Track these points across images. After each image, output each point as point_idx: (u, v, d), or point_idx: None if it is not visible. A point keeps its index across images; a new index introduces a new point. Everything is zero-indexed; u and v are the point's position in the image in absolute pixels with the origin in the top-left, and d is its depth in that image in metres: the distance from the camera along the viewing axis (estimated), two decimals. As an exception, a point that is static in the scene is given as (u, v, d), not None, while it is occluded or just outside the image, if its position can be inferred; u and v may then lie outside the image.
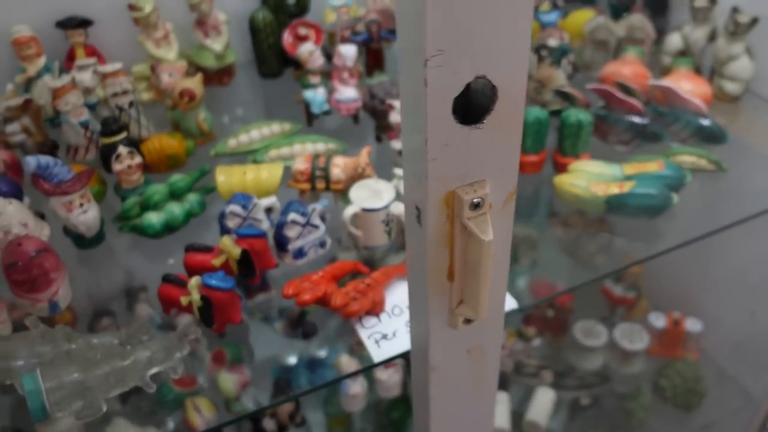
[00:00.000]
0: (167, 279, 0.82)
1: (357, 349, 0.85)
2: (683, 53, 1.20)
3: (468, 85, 0.46)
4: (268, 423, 1.40)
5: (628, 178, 0.95)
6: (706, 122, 1.02)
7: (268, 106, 1.29)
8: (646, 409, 1.41)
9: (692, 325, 1.47)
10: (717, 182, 1.02)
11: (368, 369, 0.79)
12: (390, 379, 1.32)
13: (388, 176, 0.97)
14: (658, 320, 1.48)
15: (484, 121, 0.49)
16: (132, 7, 1.14)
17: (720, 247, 1.34)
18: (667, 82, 1.05)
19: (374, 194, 0.89)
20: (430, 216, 0.52)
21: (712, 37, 1.19)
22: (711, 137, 1.03)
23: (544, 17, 1.17)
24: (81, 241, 0.92)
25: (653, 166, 0.95)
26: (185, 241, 0.95)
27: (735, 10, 1.11)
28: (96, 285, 0.94)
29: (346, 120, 1.17)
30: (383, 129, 1.11)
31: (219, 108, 1.21)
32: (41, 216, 0.93)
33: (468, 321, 0.61)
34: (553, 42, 1.11)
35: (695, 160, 1.01)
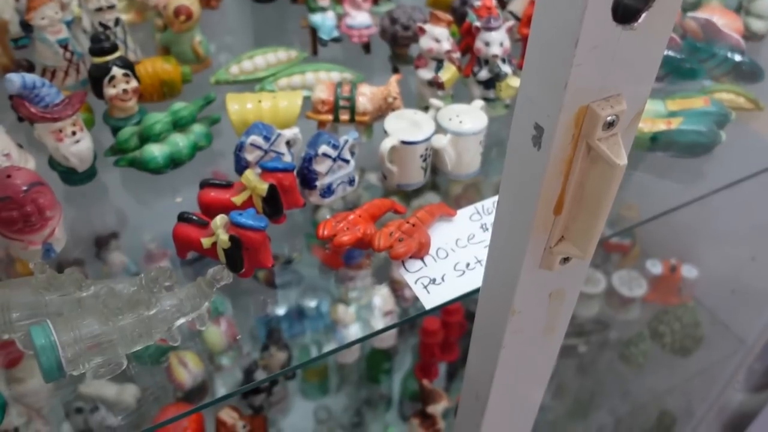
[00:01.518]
0: (184, 218, 0.71)
1: (395, 289, 0.78)
2: (708, -13, 1.14)
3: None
4: (260, 375, 1.32)
5: (672, 114, 0.89)
6: (745, 59, 0.97)
7: (262, 32, 1.16)
8: (645, 355, 1.40)
9: (688, 271, 1.46)
10: (754, 121, 0.98)
11: (418, 317, 0.72)
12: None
13: (409, 108, 0.88)
14: (655, 267, 1.46)
15: (640, 20, 0.41)
16: None
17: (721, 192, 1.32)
18: (706, 14, 0.99)
19: (413, 125, 0.80)
20: (555, 136, 0.44)
21: (739, -30, 1.13)
22: (749, 75, 0.98)
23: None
24: (70, 176, 0.80)
25: (699, 102, 0.89)
26: (190, 177, 0.84)
27: (770, -60, 1.05)
28: (87, 225, 0.82)
29: (354, 48, 1.07)
30: (401, 58, 1.01)
31: (207, 34, 1.08)
32: (19, 147, 0.80)
33: (565, 260, 0.54)
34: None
35: (733, 98, 0.96)
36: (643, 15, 0.41)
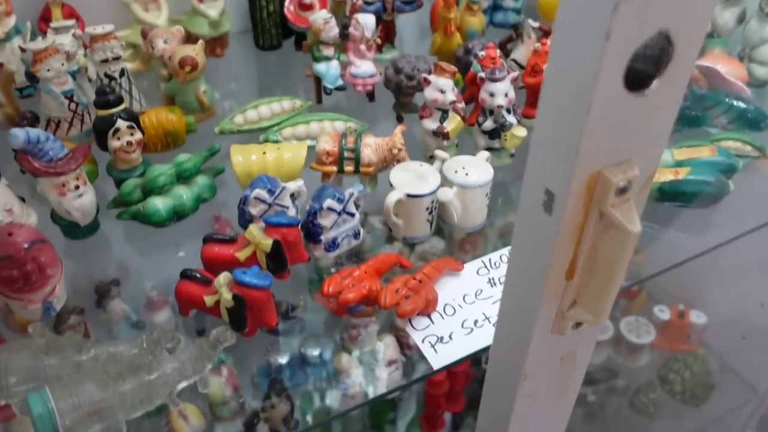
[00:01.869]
0: (187, 275, 0.70)
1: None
2: (711, 35, 1.15)
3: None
4: (262, 429, 1.29)
5: (679, 164, 0.88)
6: (750, 106, 0.96)
7: (267, 80, 1.17)
8: (656, 404, 1.37)
9: (697, 317, 1.44)
10: (762, 169, 0.97)
11: (426, 377, 0.70)
12: (390, 378, 1.23)
13: (414, 159, 0.87)
14: (663, 313, 1.44)
15: (651, 87, 0.40)
16: (118, -37, 1.01)
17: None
18: (710, 62, 0.99)
19: (418, 178, 0.79)
20: (566, 202, 0.43)
21: (742, 18, 1.13)
22: (754, 122, 0.98)
23: None
24: (73, 229, 0.79)
25: (705, 151, 0.88)
26: (193, 230, 0.84)
27: (771, -10, 1.06)
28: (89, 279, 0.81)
29: (358, 97, 1.07)
30: (405, 107, 1.01)
31: (212, 82, 1.08)
32: (22, 201, 0.79)
33: (578, 325, 0.53)
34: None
35: (740, 146, 0.95)
36: (655, 82, 0.40)
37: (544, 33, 1.03)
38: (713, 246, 0.86)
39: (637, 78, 0.40)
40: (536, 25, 1.04)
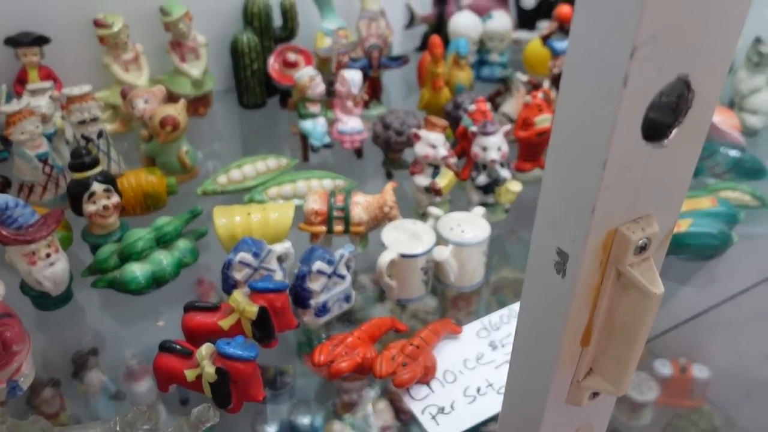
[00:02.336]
0: (166, 347, 0.65)
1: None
2: (699, 85, 1.14)
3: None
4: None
5: (681, 215, 0.85)
6: (746, 157, 0.95)
7: (251, 139, 1.14)
8: (664, 466, 1.30)
9: (699, 371, 1.39)
10: (763, 219, 0.95)
11: (427, 453, 0.65)
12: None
13: (406, 216, 0.84)
14: (665, 367, 1.39)
15: (671, 136, 0.37)
16: (98, 24, 0.99)
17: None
18: (703, 112, 0.97)
19: (412, 237, 0.76)
20: (581, 262, 0.39)
21: (730, 69, 1.13)
22: (751, 172, 0.96)
23: (557, 45, 1.09)
24: (44, 300, 0.74)
25: (706, 202, 0.86)
26: (174, 297, 0.79)
27: (758, 40, 1.06)
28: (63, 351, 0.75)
29: (346, 154, 1.04)
30: (394, 163, 0.98)
31: (195, 142, 1.05)
32: (-11, 270, 0.74)
33: (594, 395, 0.49)
34: (572, 70, 1.02)
35: (739, 195, 0.93)
36: (675, 131, 0.37)
37: (534, 86, 1.01)
38: (720, 300, 0.83)
39: (656, 128, 0.37)
40: (525, 78, 1.02)
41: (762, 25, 1.11)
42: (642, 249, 0.40)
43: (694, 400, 1.39)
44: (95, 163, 0.78)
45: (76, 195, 0.77)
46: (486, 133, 0.84)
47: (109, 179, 0.79)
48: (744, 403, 1.41)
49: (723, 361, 1.39)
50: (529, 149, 0.95)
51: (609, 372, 0.45)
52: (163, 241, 0.79)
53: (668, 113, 0.37)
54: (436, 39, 1.03)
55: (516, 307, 0.78)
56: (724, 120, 1.01)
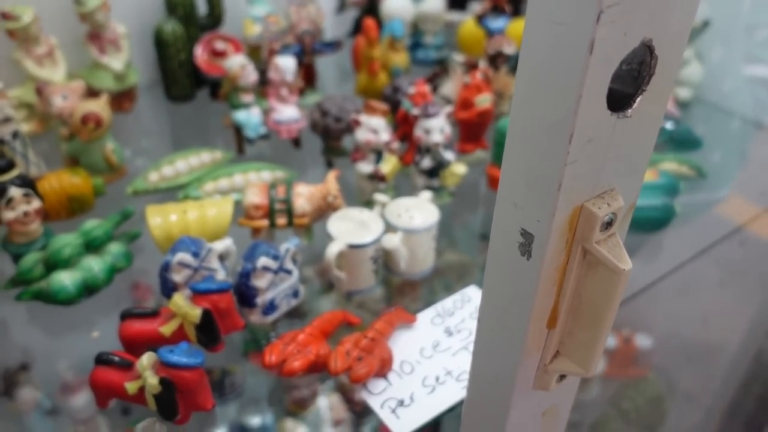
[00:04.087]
0: (103, 360, 0.60)
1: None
2: (630, 60, 1.16)
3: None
4: None
5: (623, 190, 0.86)
6: (681, 128, 0.96)
7: (182, 133, 1.08)
8: (615, 437, 1.33)
9: (643, 341, 1.42)
10: (698, 188, 0.96)
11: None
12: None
13: (350, 205, 0.81)
14: (610, 340, 1.41)
15: (634, 105, 0.35)
16: (5, 16, 0.91)
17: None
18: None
19: (359, 226, 0.73)
20: (548, 242, 0.38)
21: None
22: (686, 143, 0.97)
23: (492, 24, 1.08)
24: (-38, 318, 0.68)
25: (648, 175, 0.86)
26: (108, 305, 0.74)
27: (685, 13, 1.08)
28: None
29: (283, 144, 1.00)
30: (334, 151, 0.95)
31: (121, 139, 0.99)
32: None
33: (562, 378, 0.47)
34: (509, 49, 1.01)
35: (677, 166, 0.94)
36: (638, 99, 0.36)
37: (471, 66, 1.00)
38: (664, 273, 0.84)
39: (617, 97, 0.35)
40: (462, 59, 1.01)
41: None
42: (608, 225, 0.39)
43: (639, 370, 1.42)
44: (10, 166, 0.72)
45: (-8, 202, 0.71)
46: (428, 116, 0.82)
47: (27, 183, 0.73)
48: (685, 368, 1.46)
49: (665, 329, 1.43)
50: (471, 130, 0.94)
51: (577, 353, 0.44)
52: (92, 246, 0.73)
53: (630, 82, 0.36)
54: (370, 22, 1.00)
55: (468, 291, 0.76)
56: (657, 93, 1.02)
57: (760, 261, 1.33)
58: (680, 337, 1.43)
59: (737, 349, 1.41)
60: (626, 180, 0.39)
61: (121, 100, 1.04)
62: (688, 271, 1.18)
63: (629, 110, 0.35)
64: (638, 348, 1.42)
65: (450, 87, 1.02)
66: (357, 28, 1.27)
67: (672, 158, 0.95)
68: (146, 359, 0.58)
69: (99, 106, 0.84)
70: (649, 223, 0.83)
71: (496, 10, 1.14)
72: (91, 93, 0.97)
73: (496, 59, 1.01)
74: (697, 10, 0.35)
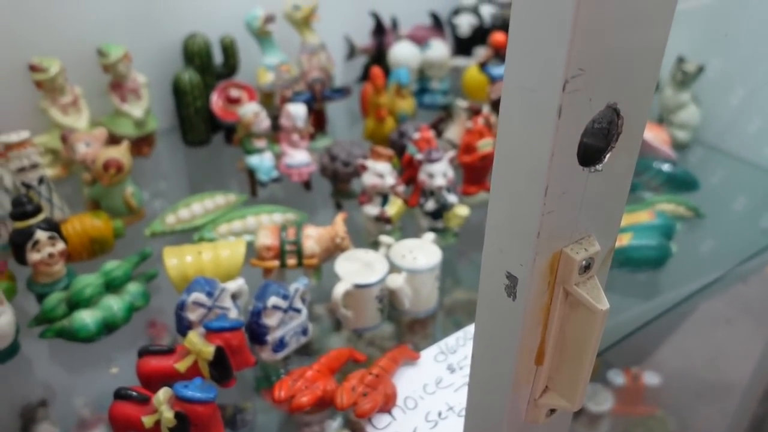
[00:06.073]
0: (121, 395, 0.64)
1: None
2: (629, 104, 1.20)
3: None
4: None
5: (621, 230, 0.89)
6: (678, 170, 1.00)
7: (198, 177, 1.13)
8: (624, 475, 1.34)
9: (651, 378, 1.43)
10: (696, 228, 0.99)
11: (392, 481, 0.65)
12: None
13: (357, 246, 0.85)
14: (617, 377, 1.43)
15: (605, 161, 0.39)
16: (34, 68, 0.97)
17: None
18: (635, 130, 1.02)
19: (365, 267, 0.76)
20: (530, 285, 0.41)
21: (657, 85, 1.19)
22: (684, 184, 1.00)
23: (494, 71, 1.13)
24: (-11, 355, 0.72)
25: (644, 216, 0.90)
26: (126, 342, 0.78)
27: (681, 59, 1.12)
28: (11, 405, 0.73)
29: (294, 186, 1.04)
30: (343, 193, 0.99)
31: (139, 182, 1.04)
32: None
33: (552, 412, 0.50)
34: (510, 95, 1.05)
35: (674, 207, 0.97)
36: (608, 155, 0.39)
37: (474, 112, 1.04)
38: (665, 309, 0.86)
39: (590, 152, 0.39)
40: (465, 104, 1.05)
41: (683, 45, 1.17)
42: (586, 268, 0.42)
43: (648, 407, 1.43)
44: (38, 210, 0.76)
45: (19, 244, 0.75)
46: (431, 161, 0.86)
47: (53, 226, 0.77)
48: (695, 406, 1.46)
49: (673, 367, 1.44)
50: (474, 173, 0.97)
51: (564, 388, 0.47)
52: (112, 286, 0.77)
53: (601, 138, 0.39)
54: (377, 70, 1.05)
55: (470, 328, 0.79)
56: (655, 136, 1.06)
57: (765, 298, 1.34)
58: (689, 375, 1.44)
59: (746, 386, 1.42)
60: (602, 227, 0.43)
61: (141, 145, 1.09)
62: (691, 309, 1.20)
63: (600, 165, 0.39)
64: (647, 385, 1.43)
65: (454, 131, 1.06)
66: (366, 74, 1.32)
67: (669, 199, 0.98)
68: (162, 394, 0.61)
69: (120, 153, 0.89)
70: (645, 262, 0.86)
71: (498, 57, 1.19)
72: (113, 139, 1.03)
73: (498, 105, 1.05)
74: (659, 72, 0.38)
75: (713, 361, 1.38)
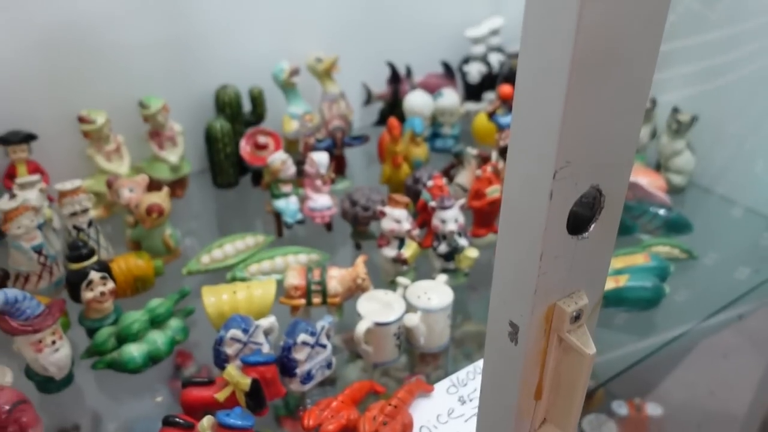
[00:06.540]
0: (169, 422, 0.71)
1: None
2: (629, 150, 1.28)
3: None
4: None
5: (618, 272, 0.96)
6: (673, 214, 1.07)
7: (226, 217, 1.22)
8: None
9: (653, 409, 1.49)
10: (691, 269, 1.07)
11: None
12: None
13: (376, 285, 0.93)
14: (621, 408, 1.49)
15: (590, 230, 0.47)
16: (83, 120, 1.07)
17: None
18: (632, 177, 1.10)
19: (384, 306, 0.84)
20: (529, 332, 0.49)
21: (654, 134, 1.27)
22: (678, 227, 1.08)
23: (501, 120, 1.21)
24: (47, 384, 0.80)
25: (640, 258, 0.97)
26: (168, 372, 0.86)
27: (675, 110, 1.20)
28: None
29: (317, 228, 1.13)
30: (362, 235, 1.08)
31: (173, 221, 1.13)
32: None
33: (549, 441, 0.57)
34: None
35: (669, 250, 1.05)
36: (592, 225, 0.47)
37: (483, 159, 1.13)
38: (663, 344, 0.93)
39: (578, 221, 0.47)
40: (475, 152, 1.14)
41: (678, 95, 1.26)
42: (576, 318, 0.50)
43: (650, 437, 1.48)
44: (92, 253, 0.85)
45: (75, 284, 0.84)
46: (444, 208, 0.94)
47: (104, 267, 0.86)
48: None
49: (674, 398, 1.50)
50: (483, 217, 1.06)
51: (559, 420, 0.55)
52: (156, 322, 0.86)
53: (587, 208, 0.48)
54: (393, 121, 1.14)
55: (480, 363, 0.87)
56: (651, 182, 1.14)
57: (759, 333, 1.41)
58: (690, 406, 1.49)
59: (745, 416, 1.47)
60: (590, 283, 0.51)
61: (175, 187, 1.18)
62: (694, 344, 1.27)
63: (586, 233, 0.47)
64: (650, 416, 1.49)
65: (464, 177, 1.14)
66: (382, 119, 1.42)
67: (664, 242, 1.06)
68: (206, 421, 0.69)
69: (161, 198, 0.98)
70: (641, 302, 0.94)
71: (506, 105, 1.28)
72: (151, 183, 1.12)
73: (505, 151, 1.14)
74: (634, 155, 0.47)
75: (713, 393, 1.44)
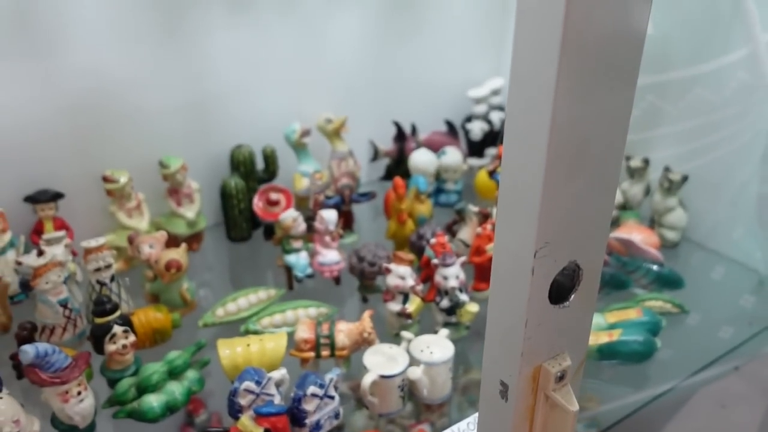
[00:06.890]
0: (187, 469, 0.76)
1: None
2: (623, 206, 1.34)
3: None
4: None
5: (612, 326, 1.01)
6: (665, 270, 1.12)
7: (239, 269, 1.28)
8: None
9: (654, 459, 1.51)
10: (683, 323, 1.11)
11: None
12: None
13: (382, 338, 0.98)
14: (622, 457, 1.51)
15: (570, 299, 0.53)
16: (107, 179, 1.14)
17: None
18: (626, 234, 1.16)
19: (389, 360, 0.90)
20: (518, 391, 0.54)
21: (647, 191, 1.33)
22: (670, 283, 1.13)
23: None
24: (71, 433, 0.85)
25: (633, 313, 1.02)
26: (180, 420, 0.91)
27: (667, 169, 1.27)
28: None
29: (325, 281, 1.19)
30: (368, 288, 1.13)
31: (188, 273, 1.19)
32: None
33: (540, 492, 0.62)
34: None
35: (662, 304, 1.10)
36: (572, 295, 0.53)
37: (484, 216, 1.19)
38: (657, 395, 0.97)
39: (560, 290, 0.53)
40: (476, 209, 1.20)
41: (669, 155, 1.32)
42: (561, 378, 0.55)
43: (651, 486, 1.50)
44: (116, 308, 0.91)
45: (99, 337, 0.89)
46: (446, 265, 1.00)
47: (126, 321, 0.92)
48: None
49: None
50: (483, 272, 1.11)
51: (548, 471, 0.59)
52: (174, 373, 0.91)
53: (568, 279, 0.53)
54: (398, 180, 1.20)
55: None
56: (645, 238, 1.19)
57: (756, 384, 1.44)
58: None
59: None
60: (572, 346, 0.56)
61: (191, 241, 1.25)
62: (691, 395, 1.31)
63: (567, 302, 0.53)
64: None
65: (466, 233, 1.20)
66: (388, 174, 1.48)
67: (657, 297, 1.11)
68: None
69: (179, 255, 1.04)
70: (633, 356, 0.98)
71: (506, 164, 1.34)
72: (168, 237, 1.19)
73: (505, 209, 1.20)
74: (608, 232, 0.53)
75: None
